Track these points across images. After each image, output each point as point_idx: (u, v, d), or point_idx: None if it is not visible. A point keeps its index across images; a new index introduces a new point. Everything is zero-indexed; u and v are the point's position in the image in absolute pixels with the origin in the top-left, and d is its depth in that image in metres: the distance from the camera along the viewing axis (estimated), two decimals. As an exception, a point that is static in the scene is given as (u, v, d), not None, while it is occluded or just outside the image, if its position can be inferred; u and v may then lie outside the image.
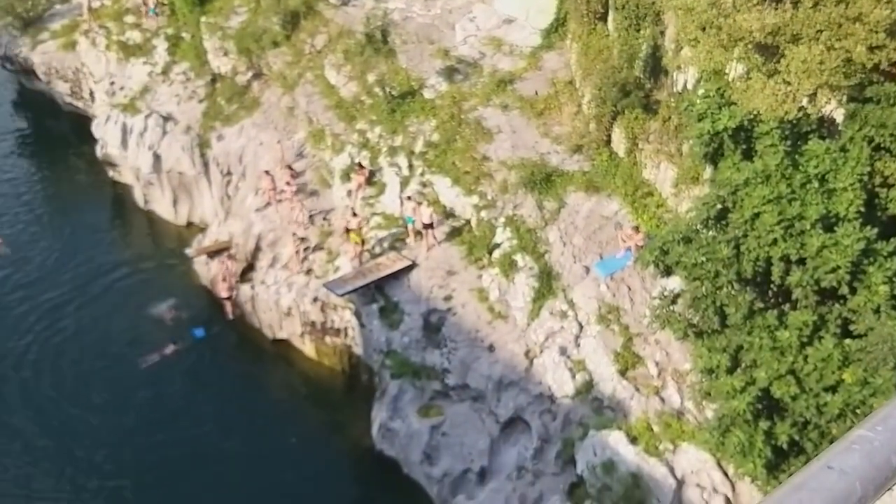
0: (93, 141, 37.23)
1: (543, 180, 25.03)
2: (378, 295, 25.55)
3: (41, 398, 26.55)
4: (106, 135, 36.28)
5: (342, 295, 25.59)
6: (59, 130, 42.86)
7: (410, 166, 28.21)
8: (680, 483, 18.97)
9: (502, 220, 25.21)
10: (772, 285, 16.65)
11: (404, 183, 27.88)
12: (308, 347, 27.97)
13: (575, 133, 26.28)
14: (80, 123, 40.61)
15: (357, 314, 25.94)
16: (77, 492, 23.52)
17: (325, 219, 28.90)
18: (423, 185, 27.56)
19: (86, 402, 26.28)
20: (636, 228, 22.60)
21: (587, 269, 23.07)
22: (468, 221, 26.35)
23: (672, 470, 19.12)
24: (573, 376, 21.51)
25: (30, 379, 27.27)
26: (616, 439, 19.81)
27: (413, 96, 29.81)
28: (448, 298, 24.50)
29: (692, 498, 18.76)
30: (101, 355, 28.08)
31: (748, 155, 17.71)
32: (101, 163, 37.45)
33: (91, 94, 40.36)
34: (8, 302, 30.58)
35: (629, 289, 22.26)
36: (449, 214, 26.77)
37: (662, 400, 20.25)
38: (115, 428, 25.35)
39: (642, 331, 21.34)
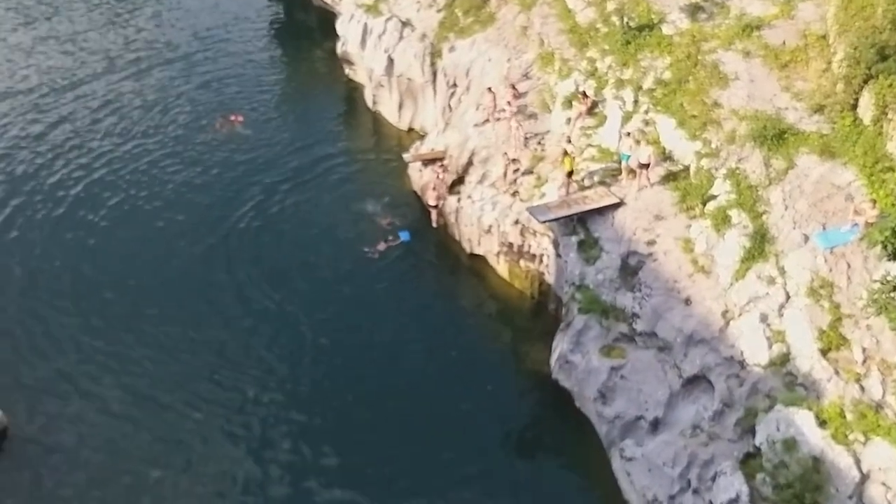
0: (335, 37, 38.95)
1: (775, 136, 23.53)
2: (579, 227, 25.34)
3: (245, 275, 28.35)
4: (347, 33, 37.80)
5: (544, 222, 25.58)
6: (306, 24, 45.20)
7: (636, 102, 27.39)
8: (864, 477, 17.83)
9: (723, 171, 24.08)
10: None
11: (626, 118, 27.17)
12: (501, 267, 28.37)
13: (819, 91, 24.41)
14: (326, 19, 42.63)
15: (555, 243, 25.92)
16: (260, 374, 24.84)
17: (539, 143, 28.80)
18: (646, 123, 26.74)
19: (288, 287, 27.86)
20: (872, 203, 20.88)
21: (806, 238, 21.67)
22: (686, 167, 25.38)
23: (858, 462, 17.98)
24: (769, 346, 20.52)
25: (236, 254, 29.22)
26: (803, 419, 18.83)
27: (651, 30, 28.75)
28: (651, 243, 23.90)
29: (874, 495, 17.60)
30: (311, 242, 29.82)
31: None
32: (339, 59, 39.22)
33: (340, -9, 42.05)
34: (238, 179, 33.08)
35: (848, 266, 20.73)
36: (667, 157, 25.89)
37: (862, 388, 18.93)
38: (314, 318, 26.67)
39: (854, 313, 19.89)
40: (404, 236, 29.87)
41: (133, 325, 26.32)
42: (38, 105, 37.70)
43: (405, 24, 36.10)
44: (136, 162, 33.93)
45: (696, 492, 19.85)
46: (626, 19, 28.93)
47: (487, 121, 30.28)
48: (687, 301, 22.45)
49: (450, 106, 33.41)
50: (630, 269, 23.84)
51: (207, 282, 28.06)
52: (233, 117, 36.55)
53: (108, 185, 32.68)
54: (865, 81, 22.47)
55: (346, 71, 39.42)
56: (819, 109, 23.94)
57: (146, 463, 22.18)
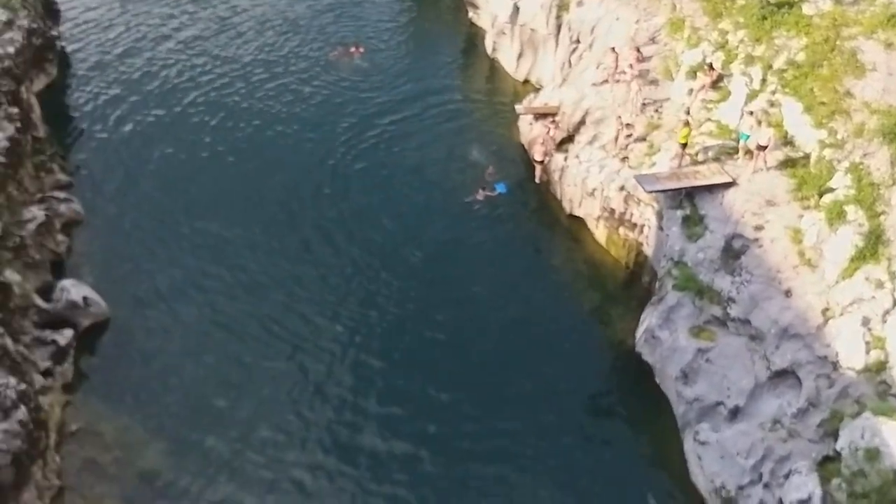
0: (464, -22, 38.58)
1: (907, 135, 22.37)
2: (686, 202, 24.72)
3: (336, 212, 28.56)
4: (476, -24, 37.36)
5: (650, 191, 25.04)
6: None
7: (763, 81, 26.31)
8: (948, 501, 17.19)
9: (846, 164, 23.02)
10: None
11: (751, 96, 26.16)
12: (599, 232, 27.99)
13: (964, 93, 22.99)
14: (457, -41, 42.19)
15: (658, 215, 25.37)
16: (348, 310, 25.22)
17: (657, 111, 28.07)
18: (771, 103, 25.69)
19: (379, 226, 28.10)
20: None
21: (924, 245, 20.68)
22: (807, 155, 24.37)
23: (943, 484, 17.33)
24: (867, 351, 19.76)
25: (330, 187, 29.53)
26: (891, 430, 18.15)
27: (790, 8, 27.42)
28: (759, 228, 23.14)
29: (957, 521, 16.98)
30: (410, 182, 30.05)
31: None
32: (465, 2, 38.80)
33: (473, -68, 41.45)
34: (343, 108, 33.49)
35: (966, 280, 19.74)
36: (788, 142, 24.88)
37: (961, 409, 18.15)
38: (400, 261, 26.85)
39: (965, 330, 19.00)
40: (500, 188, 29.69)
41: (221, 245, 26.98)
42: (163, 13, 38.82)
43: (536, -28, 35.44)
44: (247, 80, 34.73)
45: (766, 486, 19.50)
46: (766, -7, 27.71)
47: (606, 81, 29.62)
48: (787, 293, 21.75)
49: (570, 62, 32.78)
50: (733, 252, 23.19)
51: (299, 212, 28.42)
52: (353, 49, 36.81)
53: (218, 99, 33.56)
54: None
55: (470, 14, 39.06)
56: (960, 113, 22.59)
57: (221, 383, 22.83)
